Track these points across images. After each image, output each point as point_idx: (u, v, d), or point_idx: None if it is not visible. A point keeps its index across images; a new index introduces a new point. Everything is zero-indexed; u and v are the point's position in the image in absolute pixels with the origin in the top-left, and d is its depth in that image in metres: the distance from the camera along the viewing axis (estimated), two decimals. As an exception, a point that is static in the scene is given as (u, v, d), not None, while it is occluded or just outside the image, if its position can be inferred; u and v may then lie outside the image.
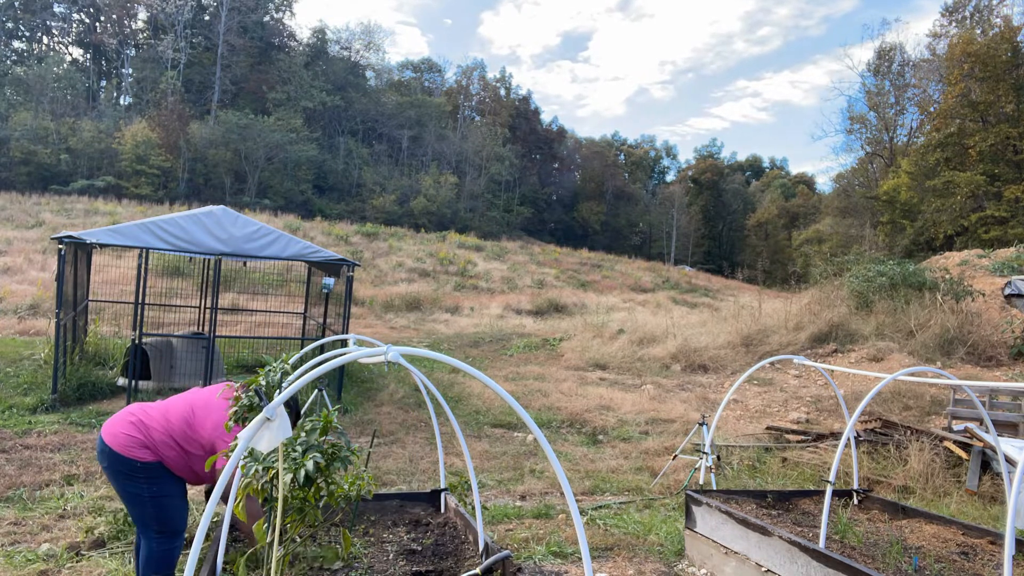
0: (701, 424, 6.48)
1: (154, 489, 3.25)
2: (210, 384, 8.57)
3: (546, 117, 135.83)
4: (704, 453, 5.93)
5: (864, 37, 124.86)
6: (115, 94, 54.71)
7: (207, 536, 3.46)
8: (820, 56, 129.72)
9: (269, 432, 2.85)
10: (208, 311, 10.18)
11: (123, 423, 3.32)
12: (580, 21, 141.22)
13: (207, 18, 56.24)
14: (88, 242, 8.22)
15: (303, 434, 2.71)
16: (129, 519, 4.38)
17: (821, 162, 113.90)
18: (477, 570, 2.96)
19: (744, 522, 4.22)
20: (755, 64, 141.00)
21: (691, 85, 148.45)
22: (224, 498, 3.38)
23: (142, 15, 55.01)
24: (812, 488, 5.67)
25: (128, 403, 7.93)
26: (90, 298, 11.19)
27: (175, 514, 3.34)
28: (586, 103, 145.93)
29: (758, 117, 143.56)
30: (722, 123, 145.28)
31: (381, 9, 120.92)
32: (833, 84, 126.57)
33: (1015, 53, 32.14)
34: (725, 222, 78.61)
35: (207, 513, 2.04)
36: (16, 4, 52.07)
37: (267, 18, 59.62)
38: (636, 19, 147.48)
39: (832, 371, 9.68)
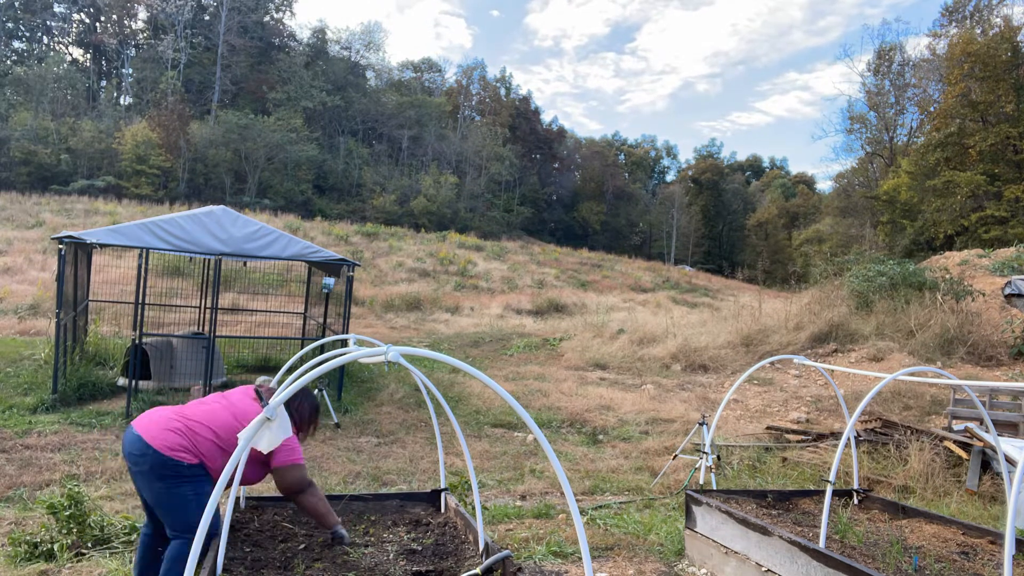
0: (701, 424, 6.48)
1: (199, 489, 3.26)
2: (211, 384, 8.59)
3: (569, 113, 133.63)
4: (704, 453, 5.93)
5: (865, 40, 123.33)
6: (115, 94, 54.69)
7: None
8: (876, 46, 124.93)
9: (269, 432, 2.85)
10: (208, 311, 10.18)
11: (165, 429, 3.28)
12: (632, 10, 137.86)
13: (207, 18, 56.22)
14: (88, 242, 8.22)
15: None
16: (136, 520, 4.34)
17: (821, 164, 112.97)
18: (477, 570, 2.96)
19: (744, 522, 4.22)
20: (810, 55, 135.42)
21: (740, 78, 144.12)
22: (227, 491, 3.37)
23: (142, 15, 55.00)
24: (812, 488, 5.66)
25: (128, 403, 7.95)
26: (90, 298, 11.19)
27: (199, 517, 3.34)
28: (627, 98, 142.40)
29: (804, 112, 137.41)
30: (765, 118, 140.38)
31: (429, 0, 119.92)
32: (834, 83, 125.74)
33: (1015, 53, 32.11)
34: (725, 222, 78.59)
35: (207, 513, 2.04)
36: (16, 4, 52.05)
37: (267, 18, 59.59)
38: (694, 8, 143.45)
39: (832, 371, 9.68)
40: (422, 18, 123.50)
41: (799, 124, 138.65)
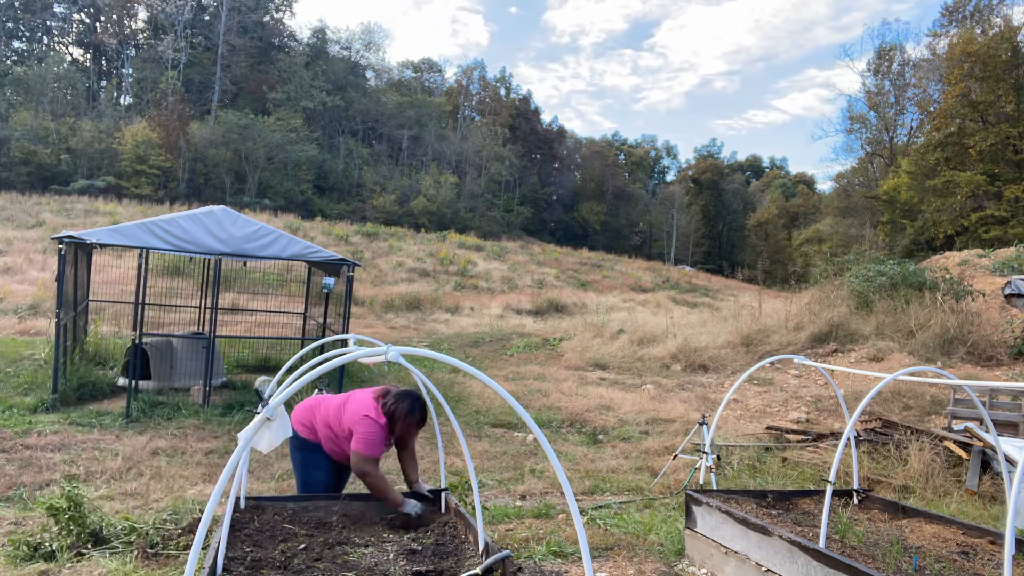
0: (701, 424, 6.47)
1: (302, 458, 4.26)
2: (211, 384, 8.60)
3: (584, 111, 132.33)
4: (704, 453, 5.93)
5: (865, 40, 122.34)
6: (115, 94, 54.69)
7: (207, 536, 3.45)
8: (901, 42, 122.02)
9: (269, 432, 2.85)
10: (208, 311, 10.18)
11: (304, 406, 4.35)
12: (652, 5, 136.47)
13: (207, 18, 56.23)
14: (88, 242, 8.22)
15: None
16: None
17: (821, 165, 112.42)
18: (477, 570, 2.96)
19: (744, 522, 4.22)
20: (831, 52, 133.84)
21: (758, 75, 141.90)
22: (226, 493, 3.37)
23: (142, 15, 55.02)
24: (812, 488, 5.66)
25: (128, 403, 7.97)
26: (90, 298, 11.19)
27: (312, 480, 4.29)
28: (643, 96, 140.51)
29: (823, 109, 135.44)
30: (782, 116, 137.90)
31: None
32: (849, 81, 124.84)
33: (1015, 53, 32.12)
34: (725, 222, 78.61)
35: (207, 514, 2.04)
36: (16, 4, 52.05)
37: (267, 18, 59.60)
38: (716, 3, 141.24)
39: (832, 371, 9.68)
40: (439, 15, 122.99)
41: (816, 122, 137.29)
